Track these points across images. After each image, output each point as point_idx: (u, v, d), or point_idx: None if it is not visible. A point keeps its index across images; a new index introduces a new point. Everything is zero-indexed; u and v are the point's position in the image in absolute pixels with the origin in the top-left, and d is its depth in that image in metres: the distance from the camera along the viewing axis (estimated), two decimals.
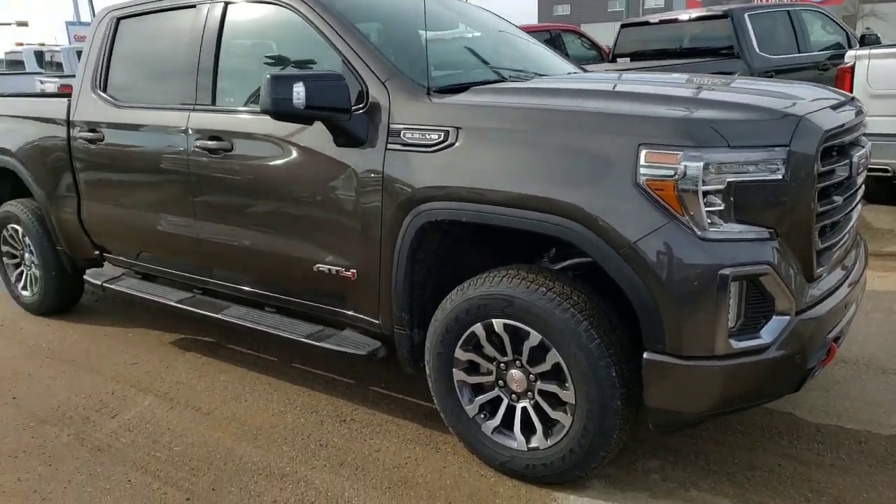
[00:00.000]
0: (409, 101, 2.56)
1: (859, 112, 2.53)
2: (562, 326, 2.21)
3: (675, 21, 8.01)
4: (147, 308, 4.14)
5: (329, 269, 2.81)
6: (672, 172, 2.02)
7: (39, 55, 18.96)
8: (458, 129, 2.39)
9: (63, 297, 4.41)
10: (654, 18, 8.40)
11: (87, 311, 4.54)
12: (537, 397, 2.40)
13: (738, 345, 2.05)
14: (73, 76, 4.25)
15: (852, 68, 5.84)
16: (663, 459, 2.59)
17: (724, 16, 7.17)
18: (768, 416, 2.83)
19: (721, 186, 2.01)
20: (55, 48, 18.99)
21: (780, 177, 2.03)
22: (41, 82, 13.57)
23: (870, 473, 2.45)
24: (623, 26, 8.64)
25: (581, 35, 11.04)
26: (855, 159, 2.31)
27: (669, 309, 2.04)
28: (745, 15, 7.10)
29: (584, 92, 2.65)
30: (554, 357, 2.28)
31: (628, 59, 8.20)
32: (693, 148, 2.02)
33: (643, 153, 2.06)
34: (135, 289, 3.75)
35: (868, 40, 7.54)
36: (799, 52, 7.33)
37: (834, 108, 2.36)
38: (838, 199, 2.28)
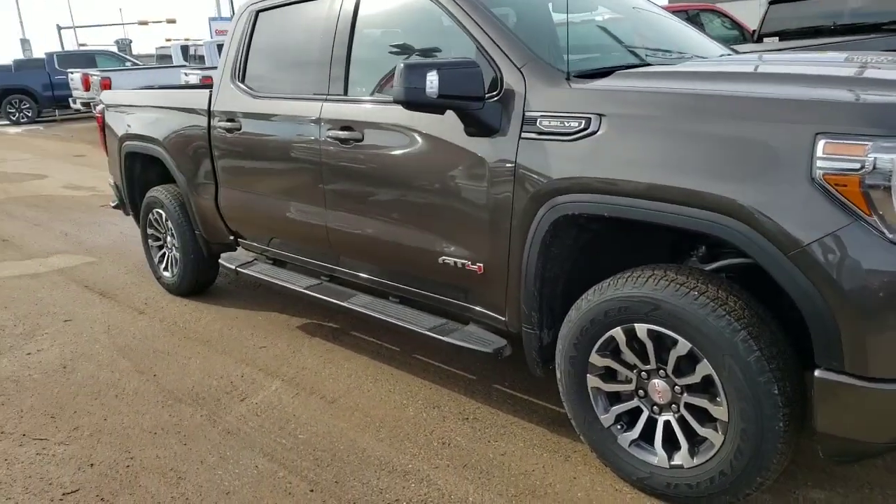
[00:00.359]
0: (546, 87, 2.40)
1: None
2: (715, 335, 1.98)
3: None
4: (276, 292, 4.25)
5: (455, 262, 2.72)
6: (858, 166, 1.74)
7: (184, 49, 20.39)
8: (601, 116, 2.21)
9: (200, 280, 4.61)
10: None
11: (221, 294, 4.73)
12: (683, 411, 2.18)
13: None
14: (214, 68, 4.41)
15: None
16: (830, 490, 2.29)
17: None
18: None
19: None
20: (198, 42, 20.31)
21: None
22: (185, 74, 14.56)
23: None
24: (772, 3, 7.94)
25: (722, 14, 10.32)
26: None
27: (850, 322, 1.76)
28: None
29: (744, 75, 2.38)
30: (705, 369, 2.05)
31: (776, 38, 7.53)
32: (885, 137, 1.73)
33: (821, 143, 1.79)
34: (265, 274, 3.85)
35: None
36: None
37: None
38: None
